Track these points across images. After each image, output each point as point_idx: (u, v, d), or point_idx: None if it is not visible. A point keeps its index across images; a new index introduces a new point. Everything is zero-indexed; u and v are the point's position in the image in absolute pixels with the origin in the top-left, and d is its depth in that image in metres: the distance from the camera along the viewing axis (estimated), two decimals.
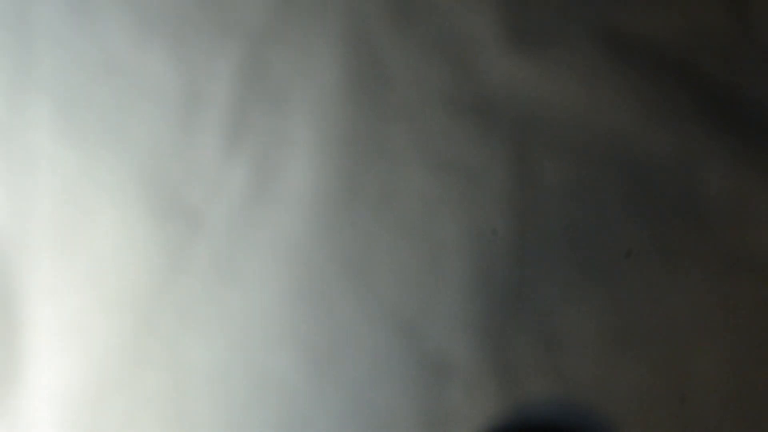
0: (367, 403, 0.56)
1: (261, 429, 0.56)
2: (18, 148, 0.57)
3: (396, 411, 0.56)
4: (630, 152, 0.57)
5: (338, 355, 0.56)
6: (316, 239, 0.57)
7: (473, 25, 0.57)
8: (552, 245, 0.56)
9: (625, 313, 0.56)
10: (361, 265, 0.57)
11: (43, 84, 0.57)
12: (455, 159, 0.57)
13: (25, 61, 0.57)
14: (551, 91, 0.57)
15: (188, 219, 0.57)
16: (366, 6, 0.57)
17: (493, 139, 0.57)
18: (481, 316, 0.56)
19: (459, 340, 0.56)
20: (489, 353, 0.56)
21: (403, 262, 0.56)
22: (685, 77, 0.57)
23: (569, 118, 0.57)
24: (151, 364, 0.56)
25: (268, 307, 0.56)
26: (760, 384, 0.56)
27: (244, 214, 0.57)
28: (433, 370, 0.56)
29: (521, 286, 0.56)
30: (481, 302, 0.56)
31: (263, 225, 0.57)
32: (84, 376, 0.56)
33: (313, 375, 0.56)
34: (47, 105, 0.57)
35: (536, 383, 0.56)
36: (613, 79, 0.57)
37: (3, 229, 0.56)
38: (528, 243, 0.56)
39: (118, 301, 0.56)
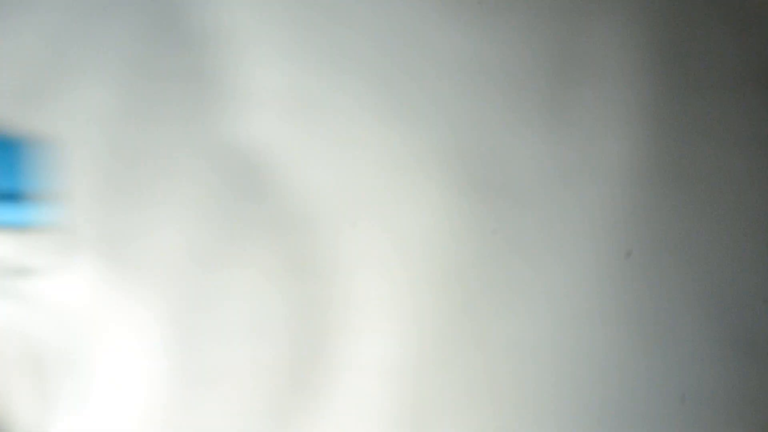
0: (693, 384, 0.55)
1: (587, 407, 0.55)
2: (337, 124, 0.55)
3: (713, 393, 0.55)
4: None
5: (660, 334, 0.55)
6: (632, 215, 0.56)
7: None
8: None
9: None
10: (679, 242, 0.56)
11: (358, 63, 0.56)
12: (761, 133, 0.56)
13: (345, 40, 0.56)
14: None
15: (509, 193, 0.55)
16: None
17: None
18: None
19: None
20: None
21: (715, 240, 0.56)
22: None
23: None
24: (473, 344, 0.55)
25: (592, 281, 0.55)
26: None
27: (565, 188, 0.56)
28: (745, 351, 0.55)
29: None
30: None
31: (582, 199, 0.56)
32: (401, 353, 0.54)
33: (635, 353, 0.55)
34: (363, 80, 0.55)
35: None
36: None
37: (330, 203, 0.55)
38: None
39: (437, 278, 0.55)
